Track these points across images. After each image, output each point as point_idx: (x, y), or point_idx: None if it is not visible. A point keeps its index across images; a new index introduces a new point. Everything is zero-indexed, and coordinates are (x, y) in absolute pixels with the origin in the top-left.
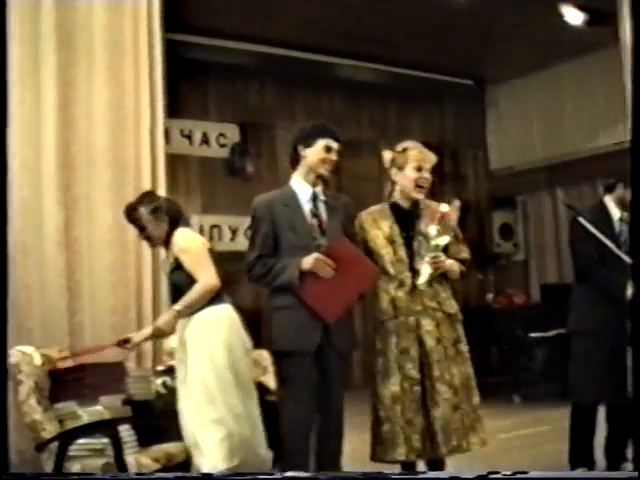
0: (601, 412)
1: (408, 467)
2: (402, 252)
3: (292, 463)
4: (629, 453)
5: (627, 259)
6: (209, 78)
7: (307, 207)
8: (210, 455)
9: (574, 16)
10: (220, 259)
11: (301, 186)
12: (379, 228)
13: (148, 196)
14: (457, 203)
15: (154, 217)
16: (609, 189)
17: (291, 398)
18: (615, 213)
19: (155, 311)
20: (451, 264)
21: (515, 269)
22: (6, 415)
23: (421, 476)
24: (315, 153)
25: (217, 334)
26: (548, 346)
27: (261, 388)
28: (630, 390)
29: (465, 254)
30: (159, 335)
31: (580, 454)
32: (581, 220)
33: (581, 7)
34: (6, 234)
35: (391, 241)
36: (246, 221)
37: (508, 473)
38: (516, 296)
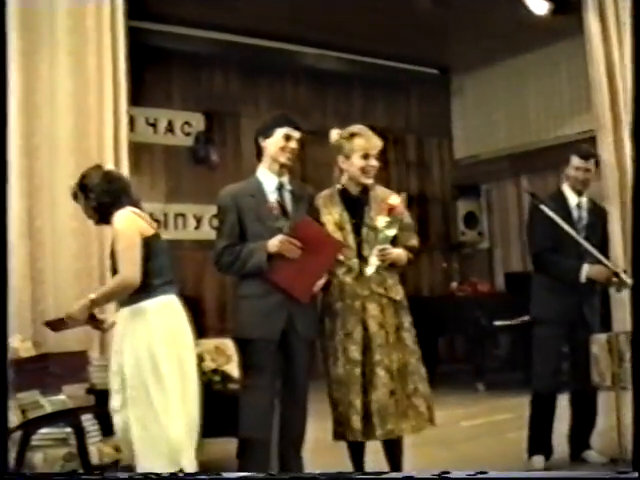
0: (564, 400)
1: (356, 449)
2: (350, 239)
3: (253, 452)
4: (592, 440)
5: (588, 246)
6: (173, 66)
7: (273, 197)
8: (146, 459)
9: (539, 5)
10: (183, 247)
11: (267, 176)
12: (330, 213)
13: (86, 172)
14: (403, 195)
15: (80, 195)
16: (567, 176)
17: (254, 386)
18: (572, 200)
19: None
20: (398, 254)
21: (480, 257)
22: (6, 415)
23: (381, 476)
24: (274, 143)
25: (148, 330)
26: (512, 334)
27: (224, 377)
28: (594, 377)
29: (414, 241)
30: (72, 323)
31: (538, 442)
32: (544, 208)
33: None
34: (6, 232)
35: (340, 227)
36: (211, 209)
37: (471, 473)
38: (480, 284)
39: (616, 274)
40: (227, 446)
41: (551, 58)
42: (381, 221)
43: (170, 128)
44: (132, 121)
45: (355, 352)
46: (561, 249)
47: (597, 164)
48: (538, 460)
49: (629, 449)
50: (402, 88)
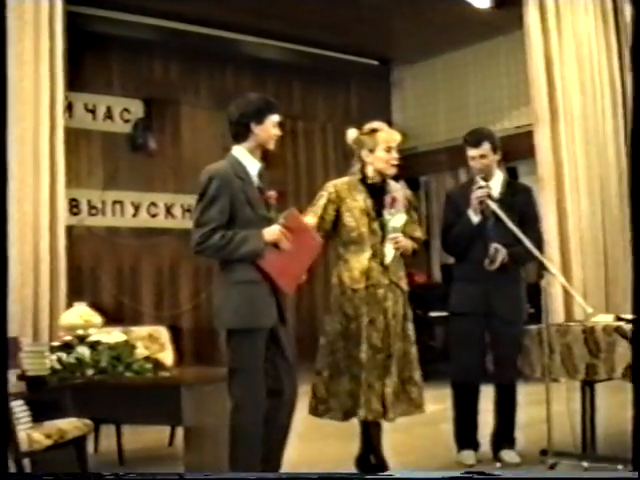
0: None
1: (371, 426)
2: (376, 225)
3: (246, 445)
4: (520, 433)
5: (522, 236)
6: (114, 52)
7: (256, 181)
8: None
9: None
10: (120, 234)
11: (249, 160)
12: (355, 200)
13: None
14: (402, 184)
15: None
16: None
17: (252, 375)
18: (480, 182)
19: (52, 286)
20: (406, 243)
21: None
22: (7, 415)
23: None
24: (266, 129)
25: None
26: (448, 325)
27: (157, 364)
28: (524, 369)
29: (418, 233)
30: None
31: (465, 435)
32: (490, 203)
33: None
34: (6, 233)
35: (367, 213)
36: (148, 197)
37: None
38: (417, 275)
39: (543, 265)
40: (159, 435)
41: (491, 52)
42: (386, 213)
43: (109, 114)
44: (70, 107)
45: (377, 339)
46: (472, 239)
47: (494, 147)
48: (468, 454)
49: (558, 440)
50: (342, 79)
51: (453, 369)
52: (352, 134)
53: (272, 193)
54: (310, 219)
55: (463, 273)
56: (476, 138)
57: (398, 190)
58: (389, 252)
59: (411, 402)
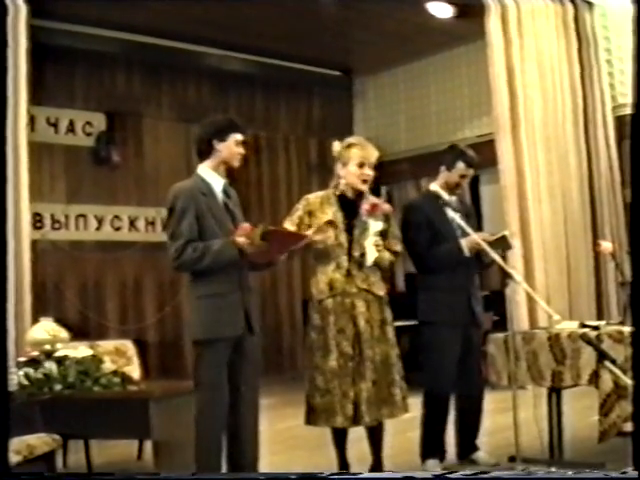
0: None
1: (340, 433)
2: (343, 237)
3: (207, 450)
4: (478, 441)
5: (485, 245)
6: (76, 65)
7: (220, 197)
8: None
9: (442, 9)
10: (84, 248)
11: (213, 177)
12: (324, 212)
13: None
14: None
15: None
16: (445, 179)
17: (214, 385)
18: (444, 196)
19: (17, 301)
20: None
21: None
22: (8, 415)
23: (352, 476)
24: (228, 147)
25: None
26: (412, 334)
27: (124, 378)
28: (490, 377)
29: (398, 247)
30: None
31: (432, 444)
32: (449, 211)
33: (449, 1)
34: (6, 236)
35: (334, 226)
36: (112, 210)
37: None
38: None
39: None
40: (127, 449)
41: (452, 62)
42: (368, 219)
43: (71, 128)
44: (33, 121)
45: (347, 347)
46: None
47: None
48: (433, 464)
49: (526, 447)
50: (304, 89)
51: (429, 379)
52: (336, 147)
53: (231, 207)
54: (289, 227)
55: (442, 282)
56: (474, 159)
57: (375, 199)
58: (370, 253)
59: (395, 405)
